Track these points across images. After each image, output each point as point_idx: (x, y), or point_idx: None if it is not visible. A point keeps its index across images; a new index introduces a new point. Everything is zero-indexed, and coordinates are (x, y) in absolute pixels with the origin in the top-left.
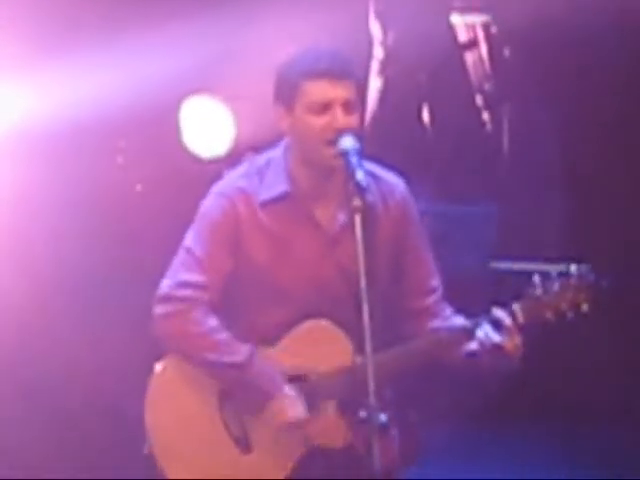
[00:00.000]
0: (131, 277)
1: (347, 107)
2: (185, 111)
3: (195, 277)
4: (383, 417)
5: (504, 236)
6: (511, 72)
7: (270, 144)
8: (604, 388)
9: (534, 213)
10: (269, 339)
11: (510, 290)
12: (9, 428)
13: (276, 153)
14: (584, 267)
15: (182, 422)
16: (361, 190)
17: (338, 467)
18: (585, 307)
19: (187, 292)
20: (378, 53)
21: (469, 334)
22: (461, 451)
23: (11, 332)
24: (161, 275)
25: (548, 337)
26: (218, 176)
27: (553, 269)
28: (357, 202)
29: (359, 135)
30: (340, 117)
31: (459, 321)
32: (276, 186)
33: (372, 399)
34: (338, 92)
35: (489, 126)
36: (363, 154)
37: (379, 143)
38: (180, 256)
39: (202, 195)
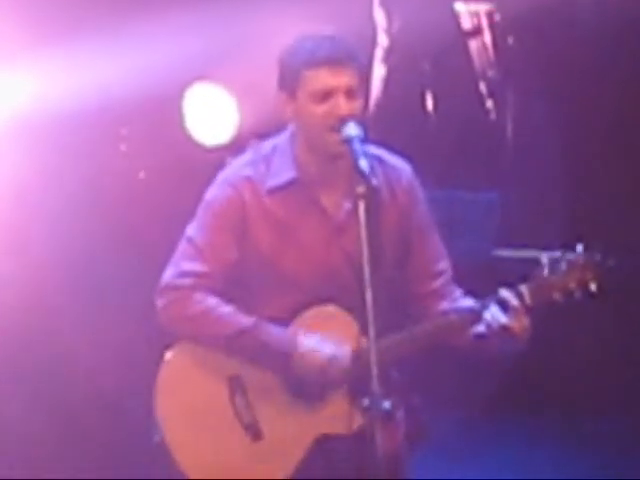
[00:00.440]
0: (134, 265)
1: (349, 94)
2: (188, 98)
3: (196, 267)
4: (387, 404)
5: (507, 223)
6: (514, 60)
7: (273, 131)
8: (608, 379)
9: (537, 200)
10: (279, 325)
11: (512, 277)
12: (9, 424)
13: (281, 140)
14: (590, 247)
15: (192, 410)
16: (365, 177)
17: (349, 453)
18: (593, 286)
19: (187, 281)
20: (382, 41)
21: (477, 316)
22: (464, 440)
23: (10, 323)
24: (164, 263)
25: (552, 327)
26: (221, 163)
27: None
28: (361, 189)
29: (363, 121)
30: (342, 104)
31: (468, 303)
32: (283, 173)
33: (375, 385)
34: (340, 80)
35: (492, 114)
36: (367, 140)
37: (383, 130)
38: (182, 246)
39: (205, 182)
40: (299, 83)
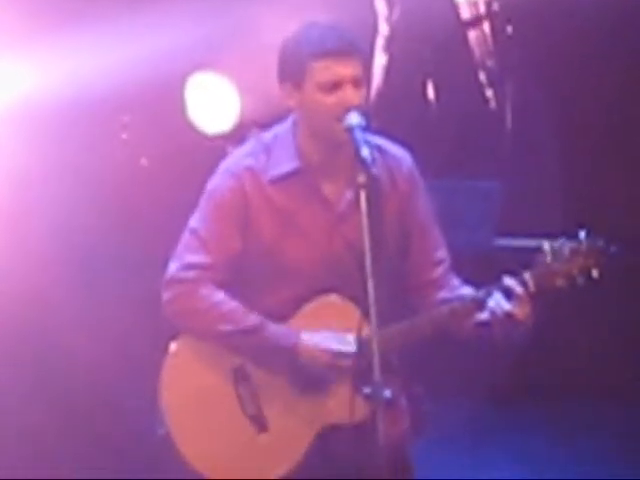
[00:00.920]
0: (135, 256)
1: (356, 83)
2: (190, 87)
3: (200, 258)
4: (388, 393)
5: (508, 212)
6: (514, 49)
7: (275, 120)
8: (611, 369)
9: (537, 189)
10: (280, 317)
11: (513, 266)
12: (8, 417)
13: (283, 129)
14: (592, 234)
15: (197, 401)
16: (366, 166)
17: (354, 443)
18: (595, 273)
19: (192, 273)
20: (383, 29)
21: (481, 304)
22: (467, 429)
23: (9, 315)
24: (166, 251)
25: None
26: (223, 152)
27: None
28: (362, 178)
29: (366, 109)
30: (351, 94)
31: (467, 291)
32: (284, 163)
33: (377, 375)
34: (347, 70)
35: (492, 102)
36: (368, 129)
37: (384, 119)
38: (185, 238)
39: (207, 171)
40: (306, 74)
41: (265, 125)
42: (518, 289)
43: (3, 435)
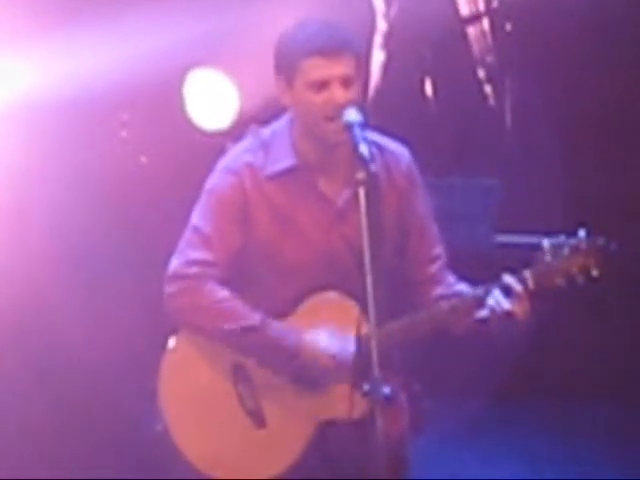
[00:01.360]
0: (135, 253)
1: (346, 82)
2: (189, 84)
3: (203, 255)
4: (387, 390)
5: (507, 209)
6: (513, 46)
7: (274, 117)
8: (611, 367)
9: (537, 186)
10: (279, 314)
11: (513, 264)
12: (8, 417)
13: (280, 125)
14: (592, 232)
15: (196, 397)
16: (364, 163)
17: (352, 440)
18: (595, 272)
19: (196, 269)
20: (381, 26)
21: (480, 301)
22: (467, 427)
23: (9, 312)
24: (166, 249)
25: (554, 314)
26: (222, 148)
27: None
28: (361, 175)
29: (361, 106)
30: (339, 93)
31: (462, 287)
32: (282, 159)
33: (376, 372)
34: (335, 69)
35: (492, 99)
36: (367, 126)
37: (382, 116)
38: (187, 234)
39: (206, 168)
40: (296, 72)
41: (264, 122)
42: (517, 287)
43: (3, 434)
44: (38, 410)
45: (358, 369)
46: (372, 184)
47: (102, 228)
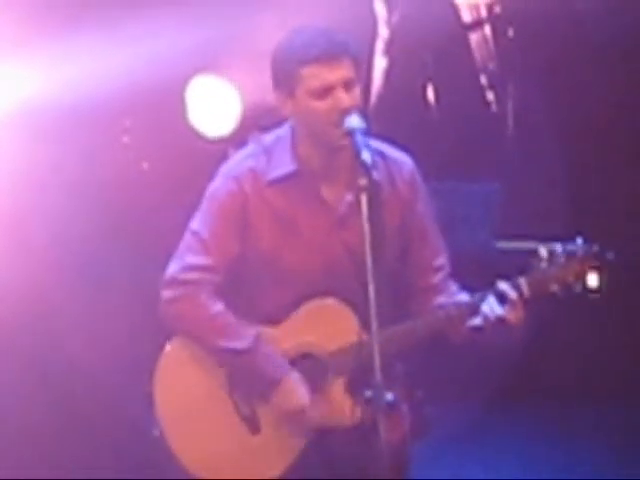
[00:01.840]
0: (136, 258)
1: (348, 86)
2: (191, 90)
3: (201, 260)
4: (389, 396)
5: (508, 215)
6: (515, 52)
7: (276, 123)
8: (610, 371)
9: (538, 192)
10: (276, 319)
11: (513, 269)
12: (9, 420)
13: (283, 132)
14: (590, 240)
15: (191, 402)
16: (367, 169)
17: (348, 446)
18: (592, 279)
19: (193, 275)
20: (383, 32)
21: (474, 308)
22: (467, 432)
23: (11, 317)
24: (167, 255)
25: (553, 320)
26: (224, 155)
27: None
28: (362, 181)
29: (363, 111)
30: (343, 98)
31: (465, 297)
32: (284, 165)
33: (378, 378)
34: (337, 74)
35: (493, 105)
36: (369, 132)
37: (384, 122)
38: (186, 239)
39: (208, 174)
40: (296, 82)
41: (266, 128)
42: (512, 294)
43: (4, 437)
44: (39, 415)
45: (356, 375)
46: (374, 191)
47: (104, 234)
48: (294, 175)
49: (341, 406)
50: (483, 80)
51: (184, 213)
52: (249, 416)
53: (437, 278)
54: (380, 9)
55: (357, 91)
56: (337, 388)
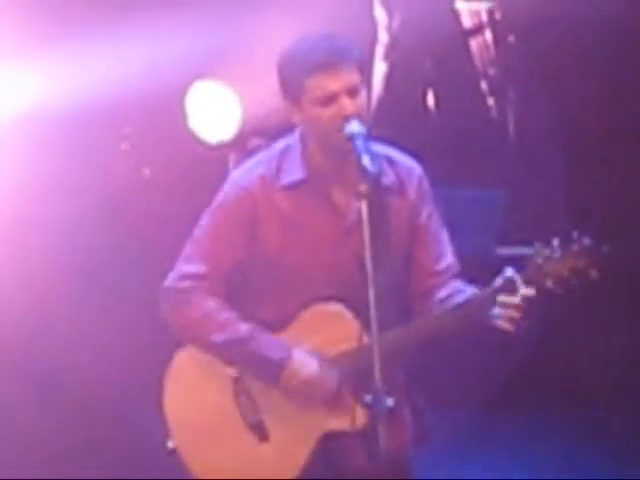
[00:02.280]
0: (137, 265)
1: (352, 92)
2: (191, 96)
3: (197, 268)
4: (390, 401)
5: (509, 221)
6: (515, 58)
7: (276, 129)
8: (612, 376)
9: (539, 198)
10: (279, 325)
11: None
12: (12, 428)
13: (294, 138)
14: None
15: (199, 412)
16: (367, 175)
17: (355, 451)
18: (590, 274)
19: (186, 284)
20: (383, 38)
21: (468, 309)
22: (468, 439)
23: (14, 328)
24: (167, 262)
25: (556, 324)
26: (224, 161)
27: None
28: (363, 187)
29: (367, 114)
30: (347, 105)
31: (462, 297)
32: (295, 171)
33: (378, 383)
34: (340, 82)
35: (494, 111)
36: (371, 137)
37: (384, 127)
38: (186, 248)
39: (209, 180)
40: (300, 92)
41: (267, 134)
42: (505, 297)
43: (7, 445)
44: (46, 428)
45: (360, 379)
46: (380, 197)
47: (105, 240)
48: (305, 181)
49: (348, 411)
50: (483, 86)
51: (185, 218)
52: (256, 424)
53: (439, 281)
54: (380, 14)
55: (363, 96)
56: (343, 393)
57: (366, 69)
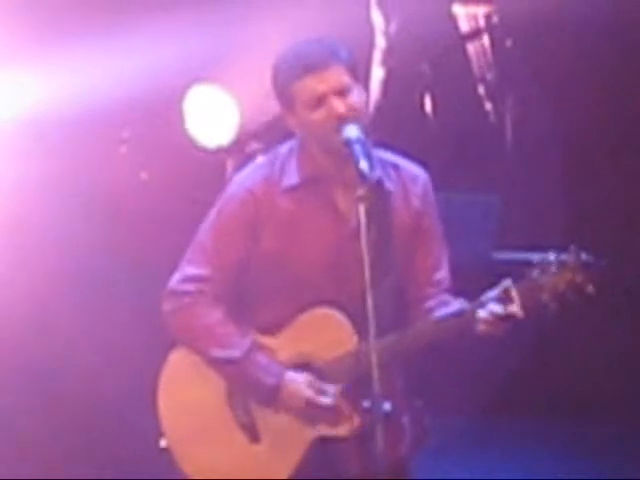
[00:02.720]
0: (135, 268)
1: (341, 93)
2: (189, 100)
3: (200, 270)
4: (387, 406)
5: (506, 226)
6: (513, 62)
7: (274, 133)
8: (612, 383)
9: (536, 203)
10: (279, 327)
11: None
12: (9, 427)
13: (296, 142)
14: (582, 249)
15: (192, 412)
16: (365, 179)
17: (348, 455)
18: (586, 288)
19: (191, 286)
20: (380, 42)
21: (467, 317)
22: (467, 443)
23: (10, 326)
24: (166, 264)
25: (556, 331)
26: (222, 165)
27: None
28: (361, 191)
29: (366, 115)
30: (337, 105)
31: (456, 306)
32: (297, 173)
33: (376, 387)
34: (326, 84)
35: (492, 116)
36: (373, 142)
37: (382, 132)
38: (190, 249)
39: (206, 183)
40: (291, 97)
41: (265, 139)
42: (496, 307)
43: (4, 445)
44: (42, 430)
45: (355, 384)
46: (381, 201)
47: (103, 244)
48: (308, 183)
49: (341, 415)
50: (481, 90)
51: (183, 222)
52: (248, 425)
53: (433, 291)
54: (378, 19)
55: (355, 95)
56: (337, 397)
57: (358, 69)
